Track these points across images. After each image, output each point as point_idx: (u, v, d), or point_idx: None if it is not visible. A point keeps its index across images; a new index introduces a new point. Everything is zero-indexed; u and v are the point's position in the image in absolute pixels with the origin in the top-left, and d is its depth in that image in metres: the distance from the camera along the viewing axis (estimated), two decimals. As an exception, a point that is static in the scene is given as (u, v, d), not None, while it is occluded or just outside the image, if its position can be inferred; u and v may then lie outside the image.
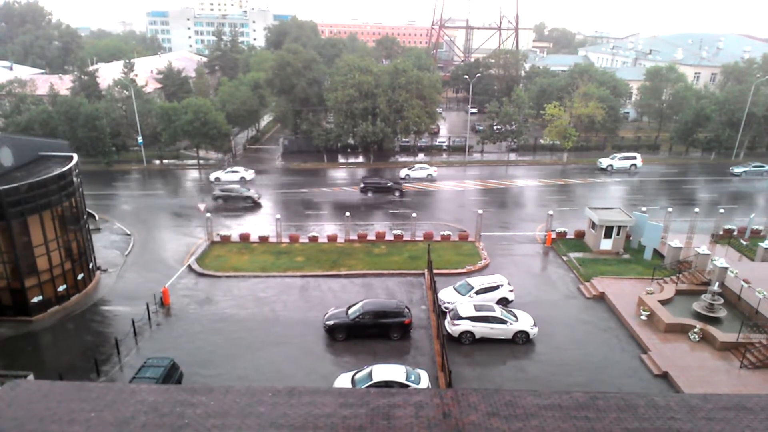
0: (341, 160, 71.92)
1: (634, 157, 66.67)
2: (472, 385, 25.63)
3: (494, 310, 29.59)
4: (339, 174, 65.96)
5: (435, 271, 35.51)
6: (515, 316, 29.93)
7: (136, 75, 76.54)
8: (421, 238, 43.12)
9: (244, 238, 43.08)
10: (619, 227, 40.18)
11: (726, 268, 33.49)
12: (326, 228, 46.46)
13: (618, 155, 67.17)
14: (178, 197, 56.24)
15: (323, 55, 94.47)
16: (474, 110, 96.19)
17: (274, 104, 76.60)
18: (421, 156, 73.29)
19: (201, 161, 68.35)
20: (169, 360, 25.53)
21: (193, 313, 32.79)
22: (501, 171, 67.11)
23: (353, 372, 25.41)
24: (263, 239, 43.01)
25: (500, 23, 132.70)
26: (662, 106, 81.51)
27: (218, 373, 26.88)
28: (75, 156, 35.46)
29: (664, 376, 26.57)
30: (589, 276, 36.81)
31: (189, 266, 38.80)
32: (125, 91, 68.84)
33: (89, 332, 31.02)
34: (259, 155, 74.68)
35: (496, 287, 32.95)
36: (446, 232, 43.56)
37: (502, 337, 29.20)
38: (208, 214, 43.36)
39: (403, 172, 62.79)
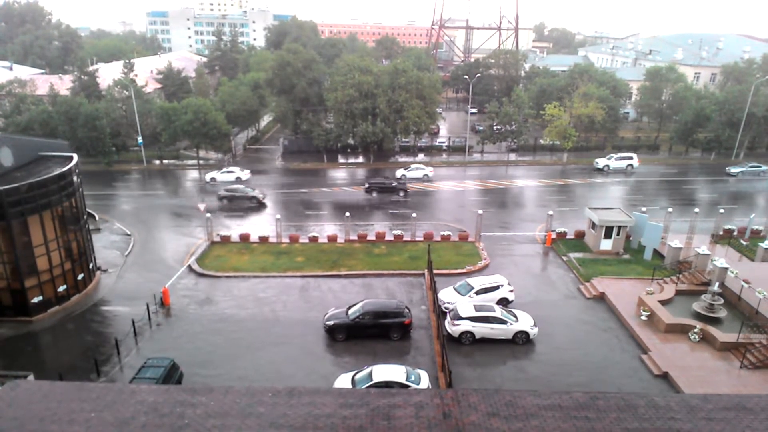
0: (341, 160, 71.91)
1: (631, 158, 66.63)
2: (472, 385, 25.62)
3: (494, 311, 29.59)
4: (339, 174, 65.96)
5: (435, 271, 35.50)
6: (515, 316, 29.93)
7: (136, 75, 76.55)
8: (421, 239, 43.14)
9: (244, 238, 43.09)
10: (619, 227, 40.18)
11: (726, 269, 33.49)
12: (326, 228, 46.47)
13: (614, 155, 67.16)
14: (178, 197, 56.25)
15: (323, 55, 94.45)
16: (474, 110, 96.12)
17: (274, 104, 76.55)
18: (421, 156, 73.26)
19: (201, 161, 68.33)
20: (169, 360, 25.55)
21: (193, 313, 32.81)
22: (501, 171, 67.08)
23: (353, 372, 25.41)
24: (263, 239, 43.02)
25: (500, 23, 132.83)
26: (662, 107, 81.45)
27: (218, 373, 26.88)
28: (75, 156, 35.47)
29: (665, 377, 26.57)
30: (589, 276, 36.82)
31: (189, 266, 38.82)
32: (125, 91, 68.86)
33: (89, 332, 31.03)
34: (259, 155, 74.66)
35: (496, 287, 32.95)
36: (446, 233, 43.57)
37: (503, 338, 29.21)
38: (208, 214, 43.39)
39: (399, 173, 62.49)
